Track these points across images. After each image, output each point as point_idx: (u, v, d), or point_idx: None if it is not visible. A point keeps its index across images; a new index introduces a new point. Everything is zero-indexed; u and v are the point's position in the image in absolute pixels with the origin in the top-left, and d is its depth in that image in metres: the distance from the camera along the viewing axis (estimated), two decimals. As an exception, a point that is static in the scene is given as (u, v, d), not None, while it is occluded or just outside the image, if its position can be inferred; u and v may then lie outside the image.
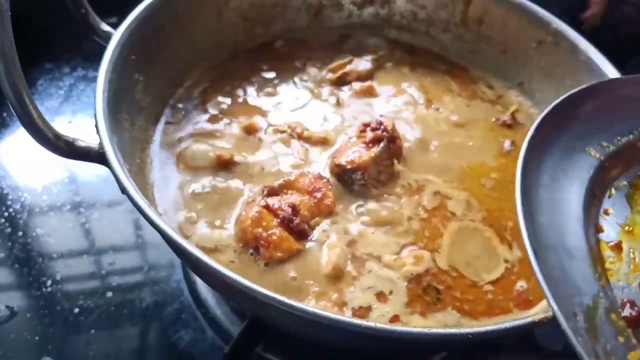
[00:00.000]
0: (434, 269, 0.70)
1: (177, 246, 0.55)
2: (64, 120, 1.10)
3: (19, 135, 1.09)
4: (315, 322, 0.53)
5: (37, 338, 0.81)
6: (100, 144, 0.61)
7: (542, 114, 0.57)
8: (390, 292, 0.67)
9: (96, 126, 0.63)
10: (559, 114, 0.58)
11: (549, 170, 0.54)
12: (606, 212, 0.56)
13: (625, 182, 0.59)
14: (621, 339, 0.46)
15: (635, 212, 0.56)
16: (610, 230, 0.54)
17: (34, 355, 0.79)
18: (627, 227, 0.55)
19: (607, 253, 0.52)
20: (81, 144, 0.61)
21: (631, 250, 0.53)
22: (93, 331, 0.82)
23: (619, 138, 0.60)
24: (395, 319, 0.65)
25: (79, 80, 1.18)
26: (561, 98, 0.59)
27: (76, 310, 0.84)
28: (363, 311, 0.66)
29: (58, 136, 0.59)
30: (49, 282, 0.87)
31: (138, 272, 0.90)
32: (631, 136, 0.60)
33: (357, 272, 0.69)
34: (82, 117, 1.11)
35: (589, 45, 0.84)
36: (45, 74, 1.18)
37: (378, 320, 0.65)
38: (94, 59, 1.19)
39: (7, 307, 0.84)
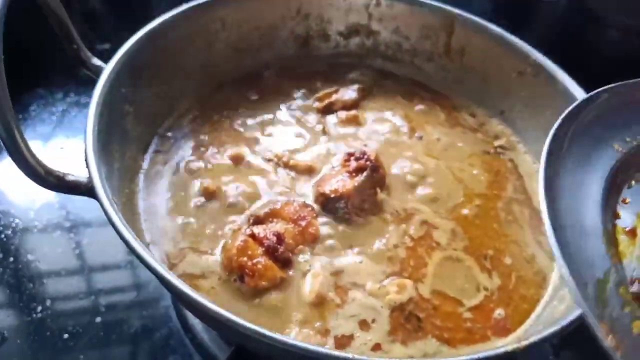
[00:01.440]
0: (417, 298, 0.72)
1: (162, 278, 0.57)
2: (56, 145, 1.12)
3: (9, 160, 1.10)
4: (297, 354, 0.54)
5: (27, 364, 0.82)
6: (90, 178, 0.63)
7: (571, 106, 0.59)
8: (373, 321, 0.69)
9: (86, 161, 0.65)
10: (588, 106, 0.60)
11: (573, 158, 0.56)
12: (624, 201, 0.57)
13: None
14: (627, 309, 0.48)
15: None
16: (626, 218, 0.56)
17: (23, 381, 0.80)
18: None
19: (622, 237, 0.54)
20: (71, 178, 0.63)
21: None
22: (82, 356, 0.83)
23: None
24: (377, 347, 0.67)
25: (71, 105, 1.19)
26: (591, 93, 0.62)
27: (65, 335, 0.85)
28: (345, 339, 0.68)
29: (49, 171, 0.61)
30: (39, 308, 0.88)
31: (127, 298, 0.91)
32: None
33: (341, 300, 0.71)
34: (75, 143, 1.13)
35: (566, 77, 0.87)
36: (38, 100, 1.19)
37: (360, 348, 0.66)
38: (87, 85, 1.20)
39: (-2, 332, 0.85)
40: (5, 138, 0.56)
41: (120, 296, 0.91)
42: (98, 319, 0.88)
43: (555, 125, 0.57)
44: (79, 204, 1.00)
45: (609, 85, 0.63)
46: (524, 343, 0.56)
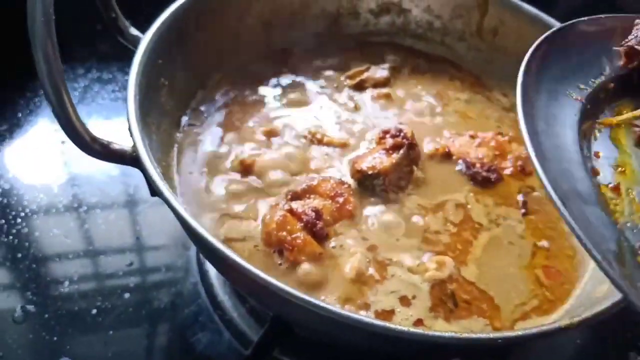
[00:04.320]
0: (459, 278, 0.71)
1: (209, 246, 0.56)
2: None
3: (31, 135, 1.09)
4: (348, 326, 0.54)
5: (55, 338, 0.81)
6: (134, 147, 0.62)
7: (524, 61, 0.57)
8: (414, 297, 0.69)
9: (129, 130, 0.64)
10: (539, 58, 0.58)
11: (543, 117, 0.54)
12: (597, 155, 0.56)
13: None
14: None
15: (622, 152, 0.57)
16: (605, 172, 0.55)
17: (52, 356, 0.79)
18: (619, 168, 0.56)
19: (609, 195, 0.53)
20: (116, 147, 0.62)
21: (629, 190, 0.54)
22: (111, 332, 0.83)
23: (592, 79, 0.60)
24: (418, 322, 0.67)
25: (93, 81, 1.18)
26: (536, 42, 0.59)
27: (94, 311, 0.85)
28: (386, 314, 0.67)
29: (94, 139, 0.60)
30: (67, 283, 0.87)
31: (156, 274, 0.91)
32: (602, 77, 0.61)
33: (380, 276, 0.70)
34: (97, 119, 1.12)
35: (604, 58, 0.86)
36: (60, 75, 1.18)
37: (402, 323, 0.66)
38: (109, 61, 1.21)
39: (23, 307, 0.84)
40: (55, 102, 0.55)
41: (149, 272, 0.91)
42: (127, 295, 0.87)
43: (520, 83, 0.54)
44: (103, 178, 1.01)
45: (550, 31, 0.62)
46: (577, 319, 0.56)
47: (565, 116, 0.56)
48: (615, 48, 0.62)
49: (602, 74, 0.61)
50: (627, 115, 0.60)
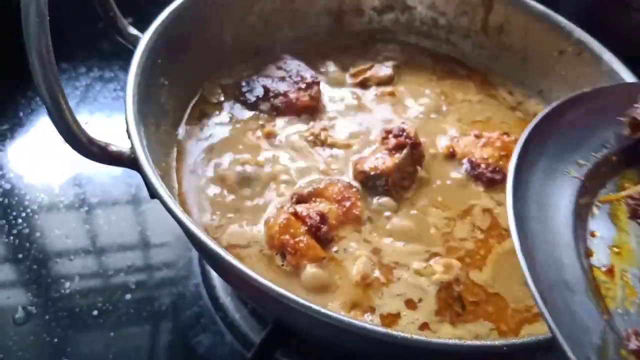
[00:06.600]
0: (466, 280, 0.70)
1: (208, 249, 0.55)
2: (81, 120, 1.08)
3: (32, 135, 1.08)
4: (350, 332, 0.53)
5: (55, 340, 0.81)
6: (132, 148, 0.61)
7: (520, 142, 0.56)
8: (420, 300, 0.67)
9: (127, 131, 0.63)
10: (536, 137, 0.57)
11: (536, 199, 0.53)
12: (593, 235, 0.54)
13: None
14: None
15: (620, 230, 0.55)
16: (600, 254, 0.53)
17: (52, 357, 0.79)
18: (615, 249, 0.54)
19: (602, 278, 0.51)
20: (113, 148, 0.61)
21: (623, 272, 0.52)
22: (112, 333, 0.82)
23: (593, 154, 0.59)
24: (424, 326, 0.65)
25: (95, 80, 1.17)
26: (535, 120, 0.58)
27: (95, 312, 0.84)
28: (392, 318, 0.66)
29: (92, 141, 0.59)
30: (68, 284, 0.87)
31: (157, 275, 0.90)
32: (604, 150, 0.60)
33: (386, 279, 0.69)
34: (99, 117, 1.11)
35: (613, 57, 0.84)
36: (61, 74, 1.15)
37: (407, 327, 0.65)
38: (110, 59, 1.20)
39: (24, 308, 0.83)
40: (50, 103, 0.54)
41: (150, 274, 0.90)
42: (128, 296, 0.86)
43: (512, 169, 0.53)
44: (103, 178, 1.01)
45: (548, 108, 0.60)
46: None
47: (560, 196, 0.55)
48: (619, 118, 0.61)
49: (604, 146, 0.60)
50: (630, 190, 0.58)
